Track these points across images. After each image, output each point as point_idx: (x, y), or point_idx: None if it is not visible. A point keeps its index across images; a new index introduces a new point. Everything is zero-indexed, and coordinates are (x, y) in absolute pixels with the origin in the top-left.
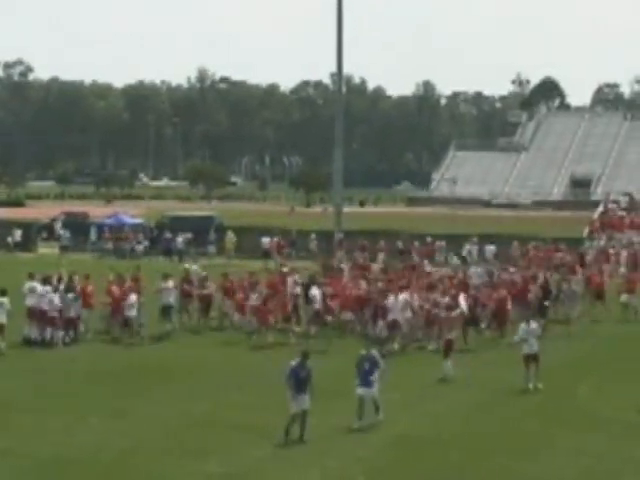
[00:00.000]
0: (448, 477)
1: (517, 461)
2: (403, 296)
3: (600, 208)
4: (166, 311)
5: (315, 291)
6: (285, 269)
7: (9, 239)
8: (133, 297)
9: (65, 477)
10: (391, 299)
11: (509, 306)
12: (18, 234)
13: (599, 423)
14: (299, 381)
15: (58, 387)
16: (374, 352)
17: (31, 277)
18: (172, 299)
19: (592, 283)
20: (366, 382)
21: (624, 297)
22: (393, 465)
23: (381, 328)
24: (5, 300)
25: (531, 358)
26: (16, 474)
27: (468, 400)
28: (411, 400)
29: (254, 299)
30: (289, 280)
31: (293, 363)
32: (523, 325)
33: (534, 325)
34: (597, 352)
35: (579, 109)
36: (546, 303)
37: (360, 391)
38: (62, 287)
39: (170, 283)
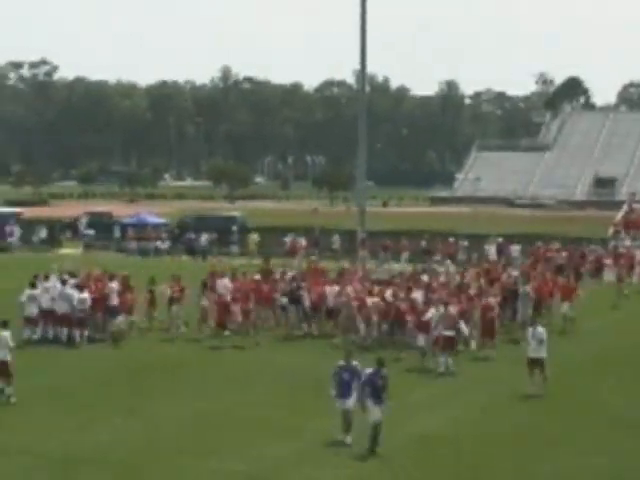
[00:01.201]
0: (466, 477)
1: (534, 461)
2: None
3: (624, 208)
4: None
5: (302, 292)
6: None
7: (34, 237)
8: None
9: (78, 476)
10: (435, 310)
11: (495, 314)
12: (43, 232)
13: (617, 423)
14: (375, 390)
15: (73, 386)
16: (355, 362)
17: (45, 278)
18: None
19: (535, 290)
20: (345, 394)
21: (564, 307)
22: (412, 464)
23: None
24: (7, 334)
25: (535, 363)
26: (30, 472)
27: (486, 400)
28: (430, 401)
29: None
30: (219, 282)
31: (369, 371)
32: (530, 328)
33: (540, 329)
34: (613, 353)
35: (603, 108)
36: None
37: (339, 404)
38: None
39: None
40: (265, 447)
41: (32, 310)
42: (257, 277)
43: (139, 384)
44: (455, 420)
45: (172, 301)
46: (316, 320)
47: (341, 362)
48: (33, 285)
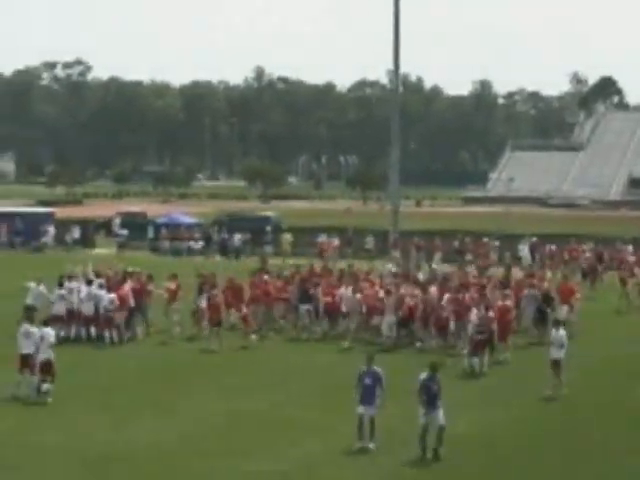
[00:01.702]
0: (500, 477)
1: (569, 461)
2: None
3: None
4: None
5: (313, 291)
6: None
7: (67, 237)
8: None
9: (112, 475)
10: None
11: (511, 317)
12: (76, 232)
13: None
14: (431, 396)
15: (108, 384)
16: (377, 368)
17: (69, 279)
18: (30, 300)
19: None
20: (367, 400)
21: (562, 312)
22: (445, 465)
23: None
24: (52, 333)
25: (555, 364)
26: (63, 470)
27: (513, 402)
28: (467, 401)
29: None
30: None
31: (423, 376)
32: (553, 331)
33: (561, 332)
34: (624, 354)
35: (637, 108)
36: (548, 310)
37: (360, 410)
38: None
39: (32, 283)
40: (296, 447)
41: (59, 309)
42: (266, 277)
43: (169, 384)
44: (492, 421)
45: (169, 302)
46: (330, 321)
47: (363, 367)
48: (61, 285)
